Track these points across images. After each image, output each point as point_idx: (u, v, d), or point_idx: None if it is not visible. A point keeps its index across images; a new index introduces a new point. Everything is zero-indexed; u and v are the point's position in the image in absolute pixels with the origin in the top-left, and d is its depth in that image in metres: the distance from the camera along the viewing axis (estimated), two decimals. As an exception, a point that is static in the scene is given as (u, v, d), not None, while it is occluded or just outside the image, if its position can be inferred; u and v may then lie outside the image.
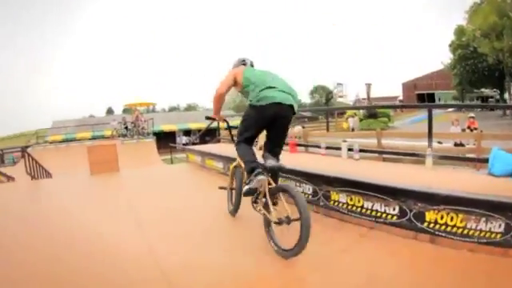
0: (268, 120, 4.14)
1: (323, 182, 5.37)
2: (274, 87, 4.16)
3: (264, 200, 4.03)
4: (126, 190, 8.77)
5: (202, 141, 20.77)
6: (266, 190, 3.98)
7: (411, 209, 4.25)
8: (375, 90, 38.23)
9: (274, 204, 3.95)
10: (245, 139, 4.35)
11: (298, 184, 5.83)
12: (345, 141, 7.46)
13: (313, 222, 3.44)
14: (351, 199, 4.91)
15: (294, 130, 11.49)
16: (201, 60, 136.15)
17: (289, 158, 7.04)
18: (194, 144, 17.92)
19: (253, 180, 3.96)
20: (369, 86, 35.89)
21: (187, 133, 43.74)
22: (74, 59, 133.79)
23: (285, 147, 8.65)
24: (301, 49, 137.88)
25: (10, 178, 14.58)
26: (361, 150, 7.34)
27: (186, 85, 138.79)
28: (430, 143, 6.38)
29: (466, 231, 3.87)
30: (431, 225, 4.09)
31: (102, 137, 29.42)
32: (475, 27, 47.46)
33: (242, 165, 4.42)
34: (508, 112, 46.89)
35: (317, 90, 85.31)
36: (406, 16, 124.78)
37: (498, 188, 4.33)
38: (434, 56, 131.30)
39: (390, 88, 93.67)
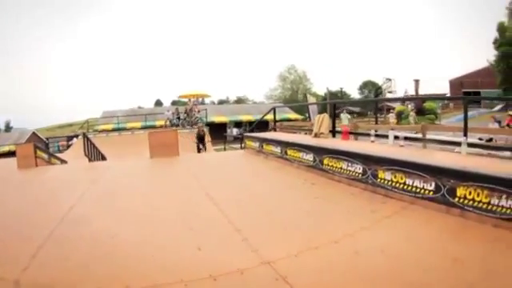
0: None
1: (372, 162, 6.11)
2: None
3: None
4: (190, 170, 9.73)
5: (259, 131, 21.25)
6: None
7: (445, 185, 4.85)
8: (423, 87, 37.65)
9: None
10: None
11: (349, 164, 6.61)
12: (392, 129, 8.06)
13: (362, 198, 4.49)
14: (395, 176, 5.60)
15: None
16: (250, 53, 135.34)
17: (341, 144, 8.06)
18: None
19: None
20: (417, 82, 35.53)
21: (238, 125, 43.77)
22: (122, 51, 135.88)
23: (337, 134, 9.56)
24: (349, 44, 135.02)
25: (63, 161, 15.25)
26: (406, 138, 7.90)
27: (236, 78, 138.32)
28: (466, 132, 6.88)
29: (490, 207, 4.32)
30: (461, 200, 4.65)
31: (154, 127, 29.63)
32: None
33: None
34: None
35: (366, 85, 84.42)
36: (453, 11, 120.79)
37: None
38: (480, 53, 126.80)
39: (438, 85, 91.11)
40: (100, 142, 19.19)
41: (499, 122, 15.03)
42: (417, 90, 35.02)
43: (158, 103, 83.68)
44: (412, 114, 28.86)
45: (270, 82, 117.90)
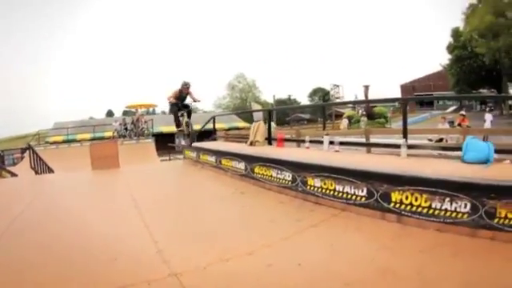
0: None
1: (301, 169, 5.78)
2: None
3: None
4: (126, 180, 9.56)
5: (200, 141, 20.95)
6: None
7: (377, 190, 4.56)
8: (374, 92, 38.18)
9: None
10: None
11: (279, 172, 6.26)
12: (327, 134, 7.73)
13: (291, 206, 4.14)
14: (325, 183, 5.28)
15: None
16: (200, 62, 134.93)
17: (273, 151, 7.74)
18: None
19: None
20: (366, 87, 35.87)
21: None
22: (73, 60, 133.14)
23: (273, 142, 9.22)
24: (300, 51, 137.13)
25: (13, 175, 14.81)
26: (341, 143, 7.57)
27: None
28: (405, 135, 6.56)
29: (431, 211, 4.10)
30: (397, 205, 4.37)
31: (103, 138, 28.77)
32: (472, 28, 47.84)
33: None
34: (505, 112, 47.33)
35: (316, 92, 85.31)
36: (404, 18, 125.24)
37: (467, 172, 4.53)
38: (432, 58, 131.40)
39: (389, 90, 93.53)
40: (50, 155, 19.46)
41: (452, 122, 15.02)
42: (366, 96, 35.40)
43: (110, 113, 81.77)
44: (363, 118, 28.98)
45: (219, 90, 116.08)
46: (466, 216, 3.89)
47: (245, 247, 4.08)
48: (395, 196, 4.40)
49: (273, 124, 10.13)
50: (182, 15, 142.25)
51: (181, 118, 11.58)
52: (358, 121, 33.90)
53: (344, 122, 33.88)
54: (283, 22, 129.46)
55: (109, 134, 29.72)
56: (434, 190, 4.10)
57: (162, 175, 10.58)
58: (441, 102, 61.41)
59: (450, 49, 54.36)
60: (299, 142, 9.29)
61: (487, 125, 13.53)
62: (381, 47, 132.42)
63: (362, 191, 4.76)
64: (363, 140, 8.49)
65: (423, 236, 3.99)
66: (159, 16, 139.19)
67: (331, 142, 7.48)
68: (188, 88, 11.16)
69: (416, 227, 4.16)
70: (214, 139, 13.80)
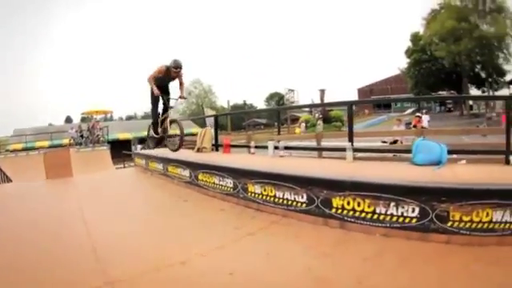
0: None
1: (241, 176, 5.63)
2: None
3: None
4: (75, 190, 9.22)
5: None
6: None
7: (318, 196, 4.41)
8: (330, 96, 38.68)
9: None
10: None
11: (221, 179, 6.11)
12: (271, 140, 7.62)
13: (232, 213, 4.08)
14: (265, 190, 5.13)
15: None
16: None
17: (218, 158, 7.58)
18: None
19: None
20: (322, 91, 36.30)
21: (142, 141, 42.38)
22: (32, 64, 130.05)
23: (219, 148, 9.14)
24: (258, 56, 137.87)
25: None
26: (289, 148, 7.54)
27: (143, 93, 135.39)
28: (351, 139, 6.47)
29: (375, 216, 4.00)
30: (339, 211, 4.24)
31: (60, 145, 27.73)
32: (432, 32, 49.44)
33: None
34: (465, 112, 49.05)
35: (272, 96, 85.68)
36: (363, 23, 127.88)
37: (415, 175, 4.49)
38: (391, 62, 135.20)
39: (346, 94, 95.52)
40: (10, 163, 18.82)
41: (409, 124, 15.16)
42: (322, 100, 35.83)
43: (68, 120, 79.58)
44: (319, 122, 29.19)
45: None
46: (414, 221, 3.82)
47: (179, 256, 3.93)
48: (336, 202, 4.28)
49: (209, 129, 9.81)
50: (136, 18, 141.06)
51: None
52: (314, 125, 34.16)
53: (302, 126, 34.10)
54: (239, 26, 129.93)
55: (66, 141, 28.79)
56: (377, 195, 4.00)
57: (111, 184, 10.17)
58: (399, 105, 62.76)
59: (409, 53, 56.08)
60: (243, 147, 9.22)
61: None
62: (339, 52, 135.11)
63: (302, 197, 4.63)
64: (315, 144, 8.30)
65: (368, 242, 3.89)
66: (114, 20, 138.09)
67: (276, 148, 7.34)
68: (179, 71, 7.91)
69: (361, 233, 4.06)
70: (165, 145, 13.56)
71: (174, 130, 8.29)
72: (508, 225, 3.58)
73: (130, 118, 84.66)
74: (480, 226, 3.62)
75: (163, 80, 8.10)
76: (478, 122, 33.55)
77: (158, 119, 8.51)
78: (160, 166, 9.00)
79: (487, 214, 3.60)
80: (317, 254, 3.71)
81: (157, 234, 4.97)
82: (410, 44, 56.45)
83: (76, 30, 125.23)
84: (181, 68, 7.89)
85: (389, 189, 3.96)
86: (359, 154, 6.54)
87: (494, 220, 3.60)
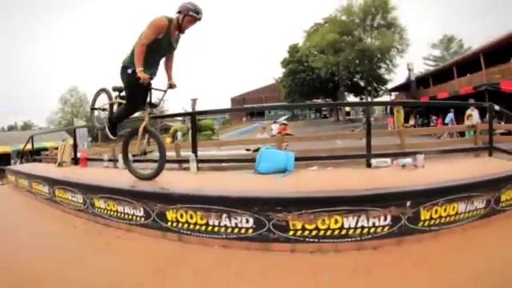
0: None
1: (87, 190, 5.75)
2: None
3: None
4: None
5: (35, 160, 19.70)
6: None
7: (153, 209, 4.67)
8: (203, 105, 39.36)
9: None
10: None
11: (72, 194, 6.13)
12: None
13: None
14: (108, 204, 5.31)
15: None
16: (34, 74, 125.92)
17: (73, 172, 7.78)
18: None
19: None
20: (194, 101, 36.66)
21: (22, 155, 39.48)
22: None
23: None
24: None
25: None
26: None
27: (21, 102, 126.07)
28: (195, 149, 6.66)
29: (210, 228, 4.19)
30: (174, 223, 4.49)
31: None
32: (312, 44, 52.17)
33: None
34: (341, 118, 52.52)
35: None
36: (240, 33, 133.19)
37: (252, 185, 4.88)
38: (266, 72, 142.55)
39: (219, 103, 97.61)
40: None
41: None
42: (193, 108, 36.22)
43: None
44: (179, 132, 29.81)
45: (52, 105, 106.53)
46: (250, 231, 3.98)
47: (15, 280, 3.76)
48: (170, 215, 4.48)
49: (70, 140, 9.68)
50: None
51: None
52: (185, 134, 34.79)
53: (178, 135, 34.53)
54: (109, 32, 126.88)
55: None
56: (207, 207, 4.18)
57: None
58: (272, 113, 65.37)
59: (285, 63, 59.84)
60: (99, 160, 9.33)
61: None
62: (213, 62, 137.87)
63: (140, 211, 4.81)
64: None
65: (205, 254, 4.04)
66: None
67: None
68: (194, 21, 4.96)
69: (199, 245, 4.23)
70: (34, 160, 13.17)
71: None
72: (366, 229, 3.81)
73: (11, 128, 78.92)
74: (329, 233, 3.80)
75: (158, 50, 5.10)
76: (354, 127, 36.58)
77: (119, 122, 5.93)
78: (26, 183, 8.59)
79: (336, 221, 3.78)
80: (151, 271, 3.76)
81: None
82: (287, 55, 59.95)
83: None
84: (199, 17, 4.93)
85: (218, 200, 4.15)
86: (205, 165, 6.86)
87: (345, 226, 3.79)
